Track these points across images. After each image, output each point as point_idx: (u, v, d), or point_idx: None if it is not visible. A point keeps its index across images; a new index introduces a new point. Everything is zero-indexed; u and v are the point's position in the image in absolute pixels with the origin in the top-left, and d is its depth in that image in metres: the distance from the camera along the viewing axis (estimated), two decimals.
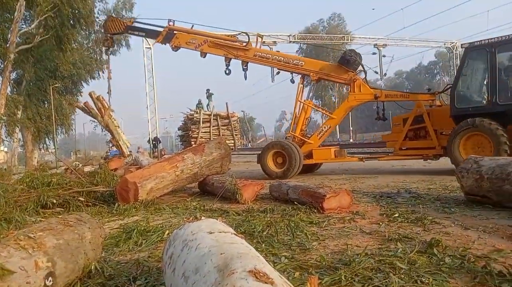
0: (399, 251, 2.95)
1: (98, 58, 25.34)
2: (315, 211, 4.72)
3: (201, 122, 16.49)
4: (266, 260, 2.14)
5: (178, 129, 21.74)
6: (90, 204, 6.15)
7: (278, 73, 28.96)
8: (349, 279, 2.40)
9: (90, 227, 2.92)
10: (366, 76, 10.76)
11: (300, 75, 11.14)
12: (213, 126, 16.84)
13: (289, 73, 11.43)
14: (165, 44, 13.22)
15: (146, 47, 31.41)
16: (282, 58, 11.05)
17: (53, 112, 20.22)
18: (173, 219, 4.86)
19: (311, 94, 12.51)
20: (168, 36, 12.25)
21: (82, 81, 24.90)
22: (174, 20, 12.32)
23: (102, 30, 14.11)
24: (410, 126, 9.85)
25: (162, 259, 2.32)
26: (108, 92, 14.83)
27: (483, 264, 2.52)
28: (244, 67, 12.10)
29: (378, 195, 5.97)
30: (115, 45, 15.45)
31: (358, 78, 10.42)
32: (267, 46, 26.36)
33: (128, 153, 16.11)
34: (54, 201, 5.83)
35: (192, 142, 15.86)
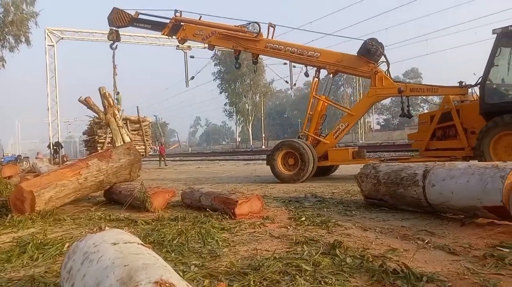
0: (305, 253, 3.07)
1: None
2: (227, 217, 4.73)
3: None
4: (175, 270, 2.09)
5: (83, 134, 20.44)
6: None
7: (192, 78, 28.34)
8: (258, 283, 2.43)
9: None
10: (389, 68, 9.62)
11: (315, 68, 10.38)
12: None
13: (304, 65, 10.66)
14: (171, 36, 12.39)
15: (48, 45, 29.12)
16: (296, 50, 10.22)
17: None
18: (75, 231, 4.53)
19: (328, 89, 11.16)
20: (174, 28, 11.45)
21: None
22: (181, 11, 11.50)
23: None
24: (437, 124, 8.77)
25: (60, 274, 2.14)
26: (114, 90, 14.22)
27: (380, 263, 2.72)
28: (254, 59, 11.38)
29: (287, 200, 6.18)
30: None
31: (380, 70, 9.48)
32: (182, 51, 26.08)
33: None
34: None
35: (99, 148, 15.01)
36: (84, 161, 6.63)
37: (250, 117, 64.36)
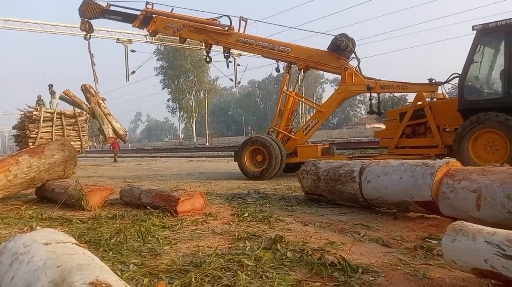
0: (247, 249, 3.09)
1: None
2: (169, 214, 4.64)
3: (41, 121, 14.70)
4: (113, 269, 2.01)
5: (13, 129, 19.04)
6: None
7: (133, 72, 27.44)
8: (199, 280, 2.41)
9: None
10: (359, 64, 9.38)
11: (286, 63, 10.18)
12: (56, 126, 15.19)
13: (274, 60, 10.36)
14: (142, 29, 11.79)
15: None
16: (267, 44, 10.06)
17: None
18: (3, 230, 4.21)
19: (298, 85, 10.85)
20: (145, 20, 10.97)
21: None
22: (152, 3, 11.01)
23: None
24: (408, 121, 8.61)
25: None
26: (94, 80, 13.81)
27: (319, 256, 2.81)
28: (226, 54, 10.99)
29: (230, 196, 6.19)
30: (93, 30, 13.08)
31: (350, 66, 9.33)
32: (122, 44, 25.18)
33: (112, 136, 14.29)
34: None
35: (30, 143, 14.05)
36: (13, 157, 6.19)
37: (194, 114, 63.65)
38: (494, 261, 1.99)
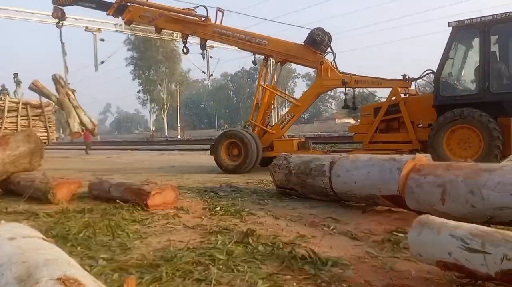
0: (219, 243, 3.10)
1: None
2: (139, 208, 4.58)
3: (5, 111, 14.15)
4: (81, 265, 1.97)
5: None
6: None
7: (102, 62, 26.61)
8: (170, 275, 2.40)
9: None
10: (335, 58, 9.37)
11: (263, 57, 10.05)
12: (21, 116, 14.66)
13: (251, 53, 10.19)
14: (117, 17, 11.36)
15: None
16: (244, 36, 9.87)
17: None
18: None
19: (275, 78, 10.64)
20: (120, 8, 10.58)
21: None
22: None
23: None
24: (383, 116, 8.61)
25: None
26: (64, 69, 13.35)
27: (289, 250, 2.85)
28: (202, 45, 10.74)
29: (202, 190, 6.16)
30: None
31: (326, 61, 9.27)
32: (91, 33, 24.46)
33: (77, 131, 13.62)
34: None
35: None
36: None
37: (166, 106, 62.72)
38: (457, 253, 2.07)
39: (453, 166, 3.66)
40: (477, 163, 4.10)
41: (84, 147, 22.31)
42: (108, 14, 11.21)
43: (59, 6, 11.85)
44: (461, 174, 3.44)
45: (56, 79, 14.11)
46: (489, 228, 2.18)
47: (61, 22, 12.66)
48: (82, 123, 14.24)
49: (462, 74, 8.17)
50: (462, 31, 7.66)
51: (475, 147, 7.19)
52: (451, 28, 7.70)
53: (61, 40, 13.57)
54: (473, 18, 7.47)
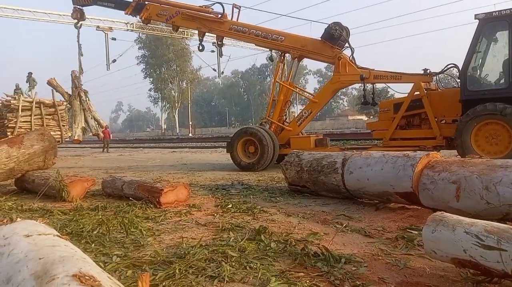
0: (231, 240, 3.10)
1: None
2: (152, 206, 4.62)
3: (20, 110, 14.34)
4: (96, 261, 2.00)
5: None
6: None
7: (114, 61, 26.89)
8: (183, 271, 2.41)
9: None
10: (353, 53, 9.20)
11: (280, 52, 10.01)
12: (35, 115, 14.85)
13: (263, 50, 10.45)
14: (135, 16, 11.54)
15: None
16: (260, 33, 9.85)
17: None
18: None
19: (292, 75, 10.46)
20: (138, 7, 10.74)
21: None
22: None
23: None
24: (404, 112, 8.40)
25: None
26: (79, 70, 13.51)
27: (302, 247, 2.84)
28: (219, 42, 10.96)
29: (214, 187, 6.18)
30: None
31: (343, 56, 9.13)
32: (102, 32, 24.68)
33: (77, 139, 13.93)
34: None
35: (9, 133, 13.69)
36: None
37: (177, 104, 63.01)
38: (473, 251, 2.05)
39: (467, 162, 3.61)
40: (491, 159, 4.04)
41: (102, 145, 22.39)
42: (126, 13, 11.31)
43: (78, 7, 12.01)
44: (476, 170, 3.39)
45: (75, 76, 14.26)
46: (504, 225, 2.14)
47: (80, 22, 12.90)
48: (88, 126, 14.36)
49: (490, 68, 7.86)
50: (489, 24, 7.46)
51: (504, 142, 7.01)
52: (477, 21, 7.51)
53: (78, 41, 13.73)
54: (501, 10, 7.30)
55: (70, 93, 14.83)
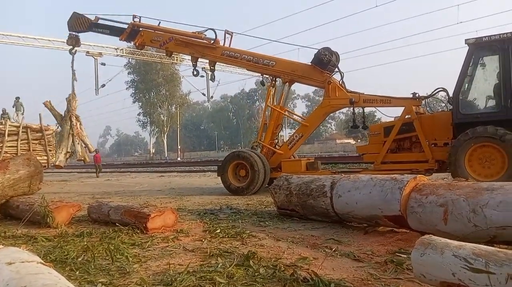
0: (219, 266, 3.05)
1: None
2: (138, 231, 4.54)
3: (6, 135, 14.20)
4: None
5: None
6: None
7: (103, 86, 26.96)
8: None
9: None
10: (343, 78, 9.40)
11: (270, 77, 10.22)
12: (22, 140, 14.70)
13: (259, 74, 10.45)
14: (129, 42, 11.82)
15: None
16: (252, 58, 10.06)
17: None
18: None
19: (283, 99, 10.78)
20: (132, 33, 11.01)
21: None
22: (140, 17, 11.13)
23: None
24: (395, 135, 8.47)
25: None
26: (72, 95, 13.60)
27: (291, 272, 2.80)
28: (211, 67, 11.16)
29: (202, 212, 6.12)
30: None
31: (333, 80, 9.28)
32: (92, 57, 24.77)
33: (58, 165, 13.74)
34: None
35: None
36: None
37: (166, 128, 62.96)
38: (461, 274, 2.04)
39: (454, 185, 3.65)
40: (477, 182, 4.09)
41: (94, 170, 22.15)
42: (121, 39, 11.55)
43: (74, 33, 12.20)
44: (462, 193, 3.42)
45: (68, 101, 14.27)
46: (492, 248, 2.15)
47: (75, 49, 13.04)
48: (75, 151, 14.24)
49: (482, 91, 8.01)
50: (480, 48, 7.68)
51: (498, 165, 7.06)
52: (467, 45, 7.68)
53: (72, 66, 13.80)
54: (491, 35, 7.50)
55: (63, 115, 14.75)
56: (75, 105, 14.27)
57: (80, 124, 14.57)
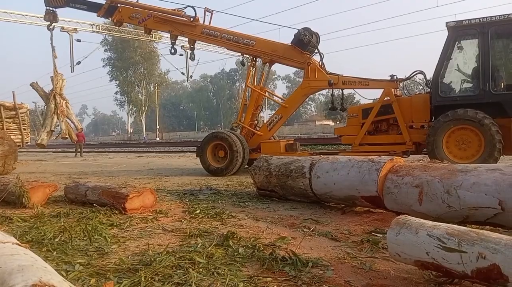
0: (199, 246, 3.07)
1: None
2: (117, 212, 4.50)
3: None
4: (57, 270, 1.93)
5: None
6: None
7: (78, 63, 26.21)
8: (149, 279, 2.36)
9: None
10: (322, 59, 9.35)
11: (251, 57, 10.07)
12: None
13: (240, 54, 10.26)
14: (107, 18, 11.47)
15: None
16: (232, 37, 9.89)
17: None
18: None
19: (263, 79, 10.62)
20: (110, 9, 10.71)
21: None
22: None
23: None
24: (374, 117, 8.53)
25: None
26: (54, 73, 13.14)
27: (270, 251, 2.84)
28: (191, 45, 10.90)
29: (181, 193, 6.11)
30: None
31: (313, 61, 9.23)
32: (67, 33, 23.98)
33: (40, 143, 13.20)
34: None
35: None
36: None
37: (144, 108, 62.00)
38: (435, 253, 2.11)
39: (429, 166, 3.74)
40: (452, 163, 4.20)
41: (74, 149, 21.54)
42: (98, 16, 11.26)
43: (51, 8, 11.88)
44: (437, 174, 3.51)
45: (52, 79, 13.92)
46: (464, 228, 2.23)
47: (52, 24, 12.63)
48: (61, 129, 13.92)
49: (461, 75, 8.13)
50: (460, 32, 7.74)
51: (473, 150, 7.23)
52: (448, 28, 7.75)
53: (51, 43, 13.36)
54: (471, 19, 7.55)
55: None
56: (62, 85, 13.90)
57: (67, 102, 14.26)
